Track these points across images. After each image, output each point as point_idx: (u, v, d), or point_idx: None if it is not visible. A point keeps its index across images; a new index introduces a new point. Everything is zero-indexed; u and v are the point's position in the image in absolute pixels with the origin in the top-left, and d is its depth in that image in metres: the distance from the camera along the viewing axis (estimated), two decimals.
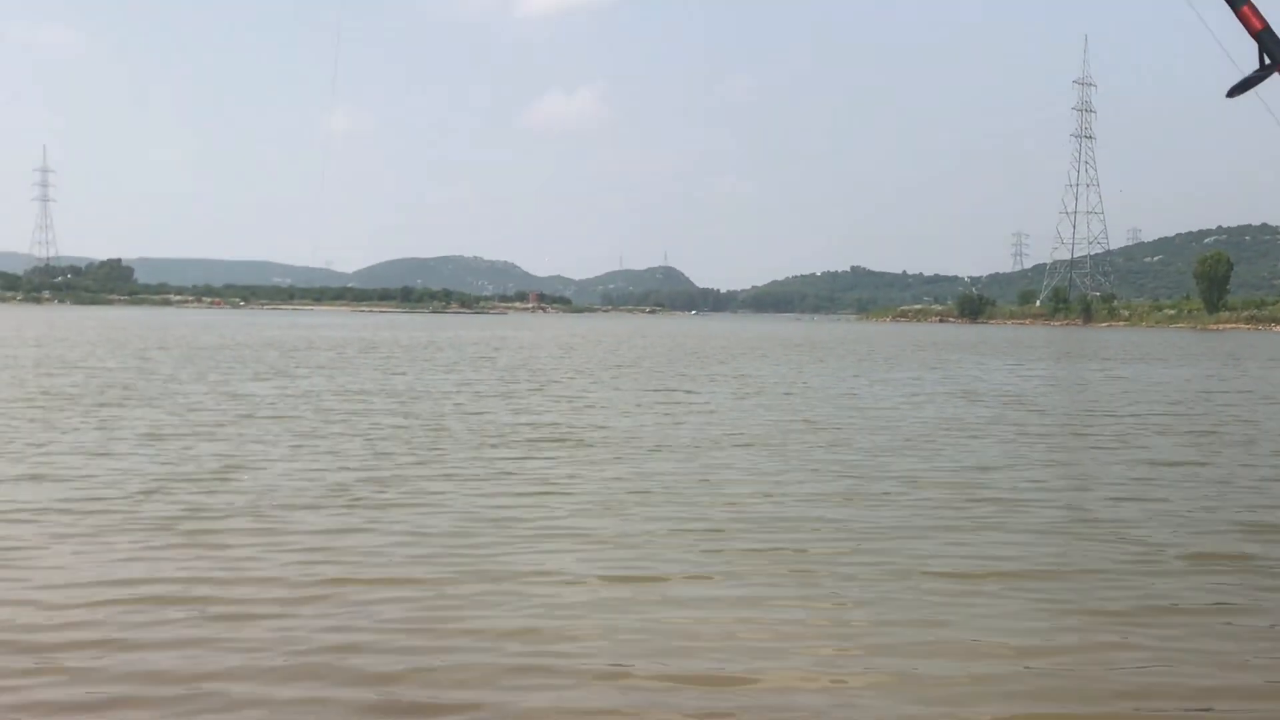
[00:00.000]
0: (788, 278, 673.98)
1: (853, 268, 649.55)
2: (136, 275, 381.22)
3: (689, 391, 39.19)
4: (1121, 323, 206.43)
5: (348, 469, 19.68)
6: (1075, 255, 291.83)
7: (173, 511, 15.47)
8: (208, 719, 8.27)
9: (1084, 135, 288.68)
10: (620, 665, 9.51)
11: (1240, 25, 6.27)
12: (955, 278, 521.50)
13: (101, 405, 30.28)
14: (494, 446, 23.03)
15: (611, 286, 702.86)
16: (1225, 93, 6.41)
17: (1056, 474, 20.80)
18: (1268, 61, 6.20)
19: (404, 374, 46.68)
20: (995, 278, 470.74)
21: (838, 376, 49.80)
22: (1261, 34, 6.21)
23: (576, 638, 10.23)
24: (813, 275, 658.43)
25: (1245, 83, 6.31)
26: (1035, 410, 34.08)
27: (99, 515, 15.18)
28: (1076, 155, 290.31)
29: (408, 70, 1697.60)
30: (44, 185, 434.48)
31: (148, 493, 16.87)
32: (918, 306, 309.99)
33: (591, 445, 23.51)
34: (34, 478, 18.13)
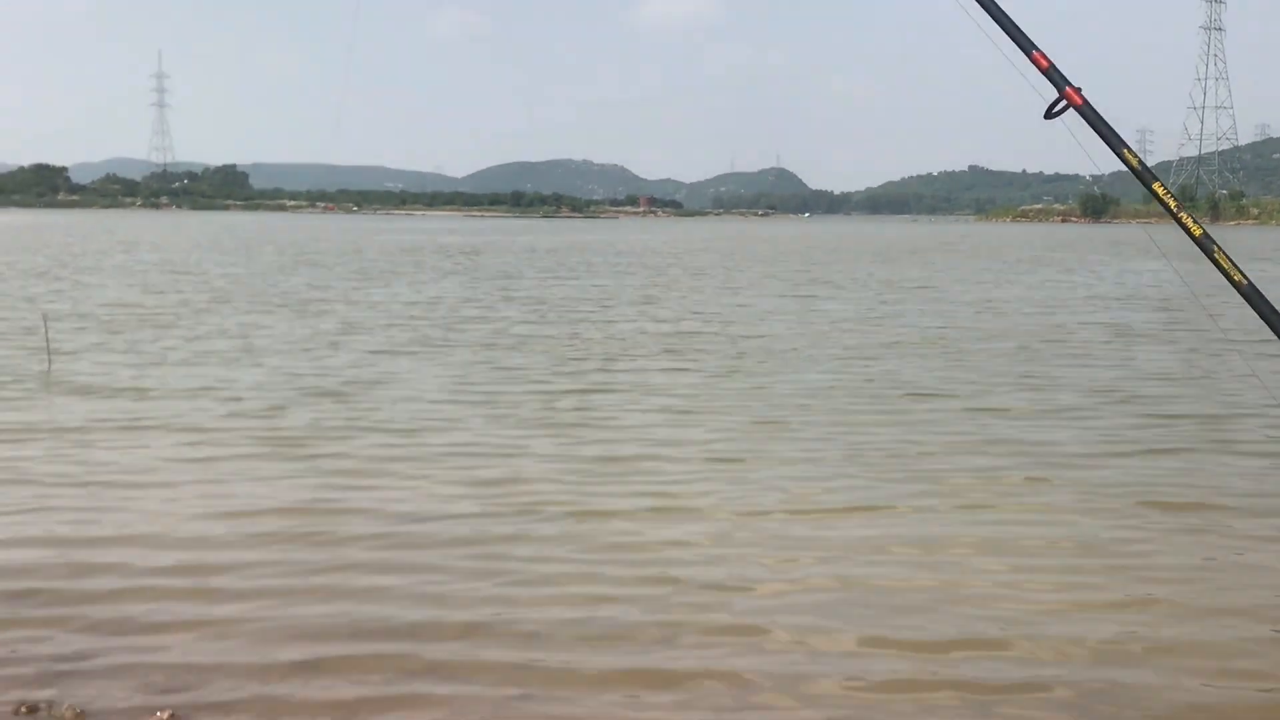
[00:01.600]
0: (903, 178, 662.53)
1: (970, 167, 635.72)
2: (251, 180, 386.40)
3: (831, 297, 37.69)
4: (1251, 221, 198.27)
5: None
6: (1203, 152, 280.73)
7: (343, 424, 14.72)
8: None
9: (1213, 27, 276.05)
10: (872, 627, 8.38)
11: None
12: (1075, 176, 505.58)
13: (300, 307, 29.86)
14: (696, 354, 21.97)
15: (723, 189, 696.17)
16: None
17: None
18: None
19: (573, 280, 45.86)
20: (1117, 176, 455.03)
21: (978, 280, 47.72)
22: None
23: (798, 582, 9.13)
24: (929, 175, 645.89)
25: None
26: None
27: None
28: (1205, 48, 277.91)
29: None
30: (159, 91, 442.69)
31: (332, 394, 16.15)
32: (1038, 206, 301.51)
33: (759, 355, 22.33)
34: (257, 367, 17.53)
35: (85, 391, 17.22)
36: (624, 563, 9.36)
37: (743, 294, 38.91)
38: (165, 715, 6.46)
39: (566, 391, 17.66)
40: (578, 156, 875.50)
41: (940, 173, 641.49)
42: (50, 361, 20.51)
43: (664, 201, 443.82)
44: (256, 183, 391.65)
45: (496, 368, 20.35)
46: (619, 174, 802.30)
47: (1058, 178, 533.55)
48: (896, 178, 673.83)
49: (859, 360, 21.67)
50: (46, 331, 22.03)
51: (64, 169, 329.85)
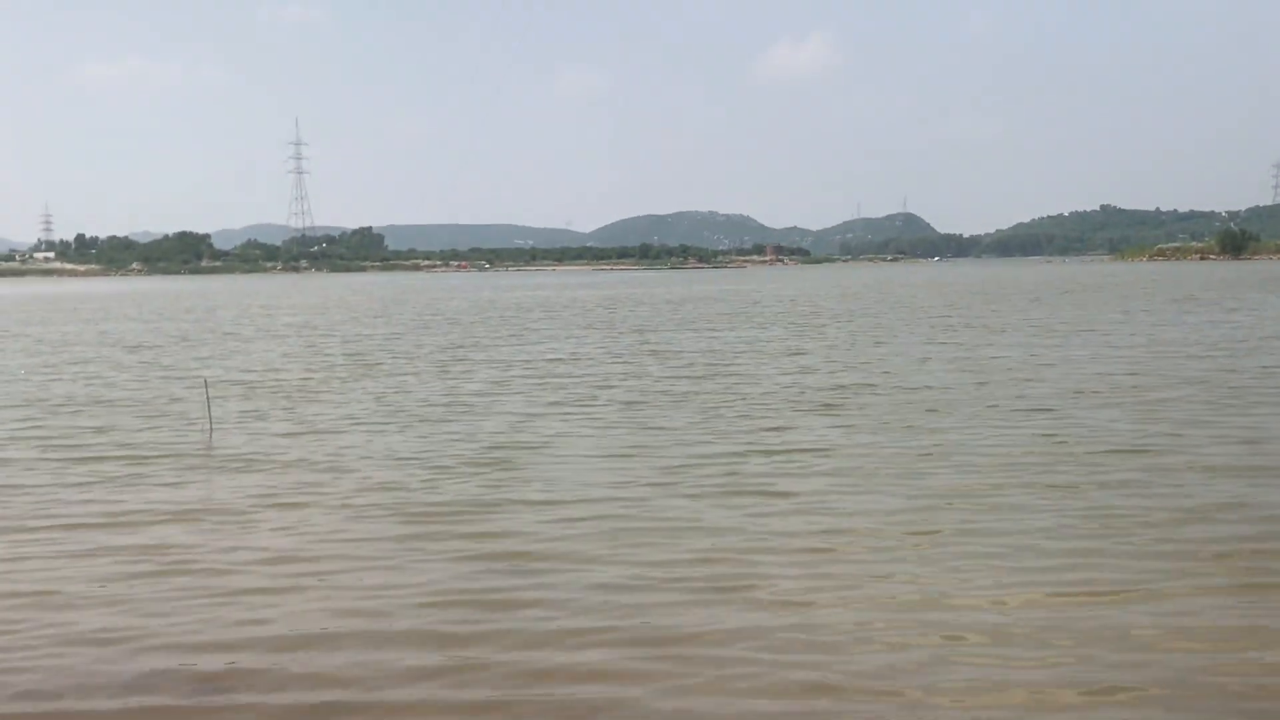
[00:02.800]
0: (1033, 219, 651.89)
1: (1102, 206, 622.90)
2: (386, 242, 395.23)
3: (988, 343, 36.16)
4: None
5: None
6: None
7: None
8: None
9: None
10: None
11: None
12: (1211, 213, 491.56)
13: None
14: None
15: (849, 235, 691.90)
16: None
17: None
18: None
19: (728, 331, 45.12)
20: (1255, 211, 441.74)
21: (1137, 321, 45.58)
22: None
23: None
24: (1059, 216, 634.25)
25: None
26: None
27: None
28: None
29: (633, 28, 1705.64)
30: (297, 158, 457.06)
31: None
32: (1175, 244, 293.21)
33: (928, 408, 21.13)
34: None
35: (246, 463, 16.87)
36: (843, 666, 8.38)
37: (893, 342, 37.60)
38: None
39: (730, 454, 16.69)
40: (703, 208, 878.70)
41: (1071, 213, 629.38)
42: (211, 429, 20.36)
43: (790, 249, 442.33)
44: (392, 243, 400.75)
45: (650, 427, 19.50)
46: (744, 223, 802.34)
47: (1192, 215, 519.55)
48: (1026, 219, 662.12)
49: (1039, 412, 20.32)
50: (208, 398, 21.91)
51: (207, 236, 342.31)
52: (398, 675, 8.23)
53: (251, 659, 8.61)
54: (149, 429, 20.53)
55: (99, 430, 20.41)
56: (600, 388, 25.71)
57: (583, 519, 12.82)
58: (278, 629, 9.31)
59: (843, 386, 24.96)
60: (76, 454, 17.83)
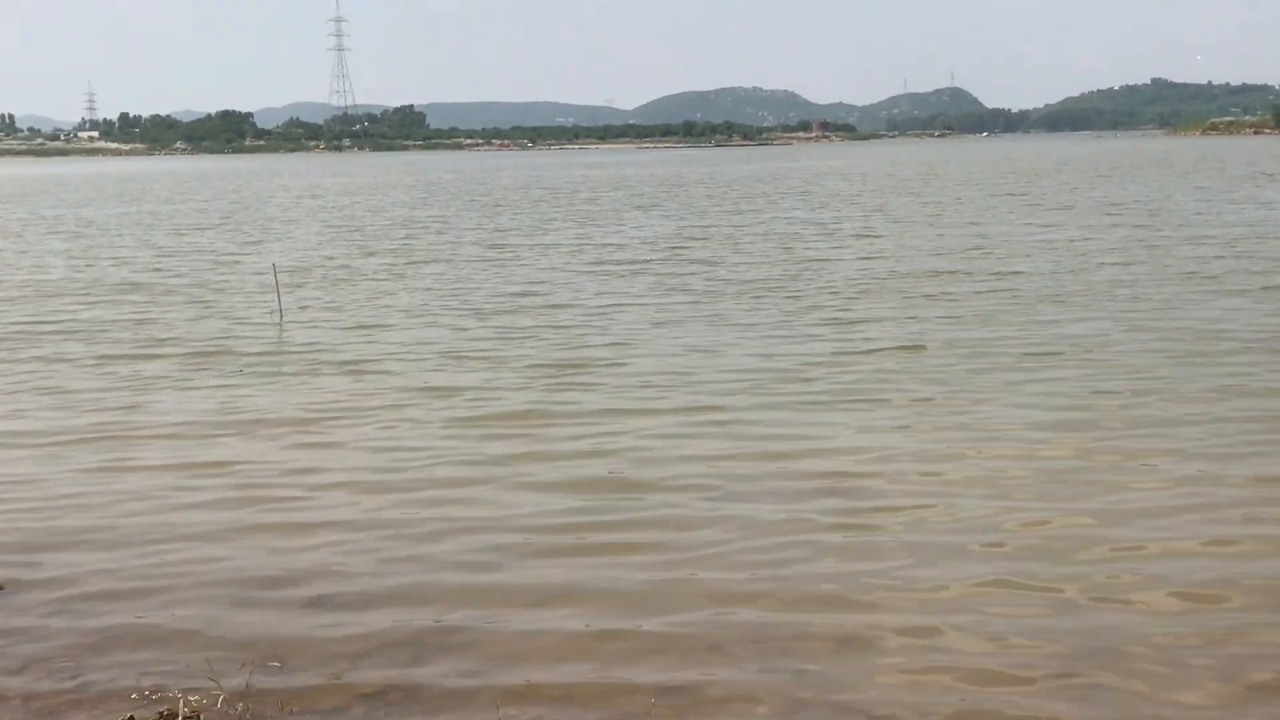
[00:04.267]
0: (1082, 93, 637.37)
1: (1153, 80, 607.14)
2: (428, 120, 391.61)
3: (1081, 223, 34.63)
4: None
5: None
6: None
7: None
8: None
9: None
10: None
11: None
12: (1265, 86, 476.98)
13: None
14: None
15: (895, 111, 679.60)
16: None
17: None
18: None
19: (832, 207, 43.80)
20: None
21: (1218, 199, 43.65)
22: None
23: None
24: (1109, 90, 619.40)
25: None
26: None
27: None
28: None
29: None
30: (338, 35, 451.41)
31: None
32: (1228, 119, 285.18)
33: (1034, 299, 19.94)
34: None
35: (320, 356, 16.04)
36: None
37: (963, 222, 35.98)
38: None
39: (844, 353, 15.61)
40: (747, 84, 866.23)
41: (1121, 87, 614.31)
42: (281, 316, 19.68)
43: (836, 126, 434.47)
44: (433, 122, 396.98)
45: (734, 324, 18.45)
46: (789, 99, 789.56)
47: (1245, 88, 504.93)
48: (1075, 93, 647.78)
49: (1163, 305, 18.93)
50: (277, 284, 21.14)
51: (250, 115, 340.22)
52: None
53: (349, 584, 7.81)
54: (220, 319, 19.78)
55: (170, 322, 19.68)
56: (675, 276, 24.65)
57: (689, 420, 11.90)
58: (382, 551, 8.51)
59: (936, 274, 23.70)
60: (142, 350, 17.08)
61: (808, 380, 13.94)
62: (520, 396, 13.41)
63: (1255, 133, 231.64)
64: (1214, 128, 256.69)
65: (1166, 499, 9.27)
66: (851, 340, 16.50)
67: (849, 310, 19.28)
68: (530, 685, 6.56)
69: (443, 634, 7.23)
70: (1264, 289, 20.27)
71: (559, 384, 14.05)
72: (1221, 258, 24.96)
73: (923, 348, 15.71)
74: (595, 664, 6.82)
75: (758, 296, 21.14)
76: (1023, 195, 50.87)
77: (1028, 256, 26.27)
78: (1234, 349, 15.02)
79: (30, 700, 6.48)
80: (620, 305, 20.46)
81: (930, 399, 12.79)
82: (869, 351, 15.61)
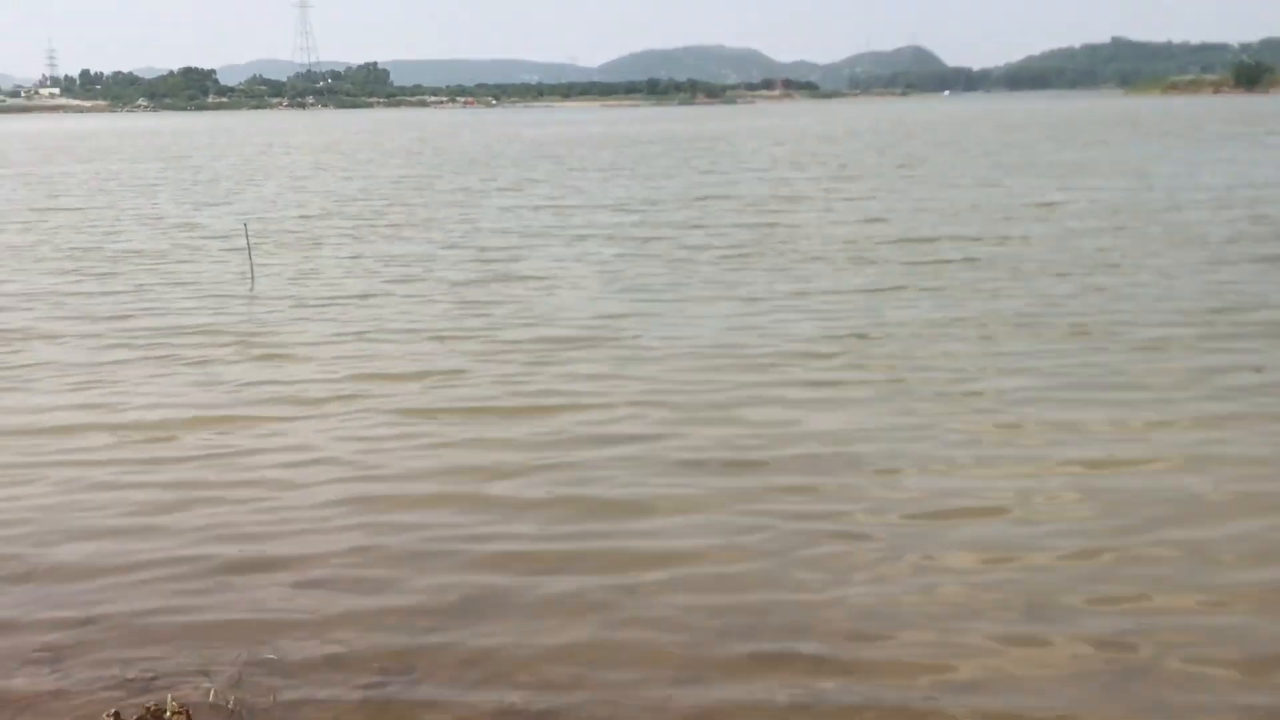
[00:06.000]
0: (1043, 52, 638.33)
1: (1113, 39, 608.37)
2: (392, 78, 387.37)
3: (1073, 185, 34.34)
4: None
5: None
6: None
7: None
8: None
9: None
10: None
11: None
12: (1224, 45, 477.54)
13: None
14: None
15: (858, 70, 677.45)
16: None
17: None
18: None
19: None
20: (1267, 43, 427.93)
21: (1195, 162, 43.49)
22: None
23: None
24: (1070, 49, 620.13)
25: None
26: None
27: None
28: None
29: None
30: None
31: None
32: (1188, 78, 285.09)
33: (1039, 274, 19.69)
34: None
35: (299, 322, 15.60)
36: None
37: (934, 186, 35.64)
38: None
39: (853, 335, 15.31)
40: (710, 42, 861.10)
41: (1082, 45, 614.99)
42: (253, 273, 19.21)
43: (799, 84, 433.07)
44: (396, 79, 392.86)
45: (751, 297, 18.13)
46: (752, 58, 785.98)
47: (1204, 48, 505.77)
48: (1036, 52, 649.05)
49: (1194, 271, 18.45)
50: (249, 243, 20.65)
51: (212, 71, 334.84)
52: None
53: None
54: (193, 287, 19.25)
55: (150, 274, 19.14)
56: (675, 242, 24.26)
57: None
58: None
59: (925, 240, 23.29)
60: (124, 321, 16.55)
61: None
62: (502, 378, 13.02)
63: (1215, 91, 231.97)
64: (1174, 87, 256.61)
65: None
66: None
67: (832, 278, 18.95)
68: (538, 675, 6.26)
69: (444, 616, 6.90)
70: None
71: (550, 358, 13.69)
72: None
73: None
74: None
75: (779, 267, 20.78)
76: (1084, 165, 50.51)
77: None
78: None
79: (5, 696, 6.11)
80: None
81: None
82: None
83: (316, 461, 9.72)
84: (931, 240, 22.51)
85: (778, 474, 9.17)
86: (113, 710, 5.78)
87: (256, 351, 13.93)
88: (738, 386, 11.69)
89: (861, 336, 13.91)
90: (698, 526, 8.13)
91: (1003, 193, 32.12)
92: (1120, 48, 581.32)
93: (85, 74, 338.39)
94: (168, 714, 5.72)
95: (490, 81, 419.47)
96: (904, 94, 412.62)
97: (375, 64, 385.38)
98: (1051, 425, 10.17)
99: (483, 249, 22.66)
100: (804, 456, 9.54)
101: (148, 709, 5.77)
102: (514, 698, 5.98)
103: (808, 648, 6.41)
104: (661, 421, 10.58)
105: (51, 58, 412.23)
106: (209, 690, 5.99)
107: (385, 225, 27.52)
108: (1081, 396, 11.05)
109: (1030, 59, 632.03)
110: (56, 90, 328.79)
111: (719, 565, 7.49)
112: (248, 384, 12.36)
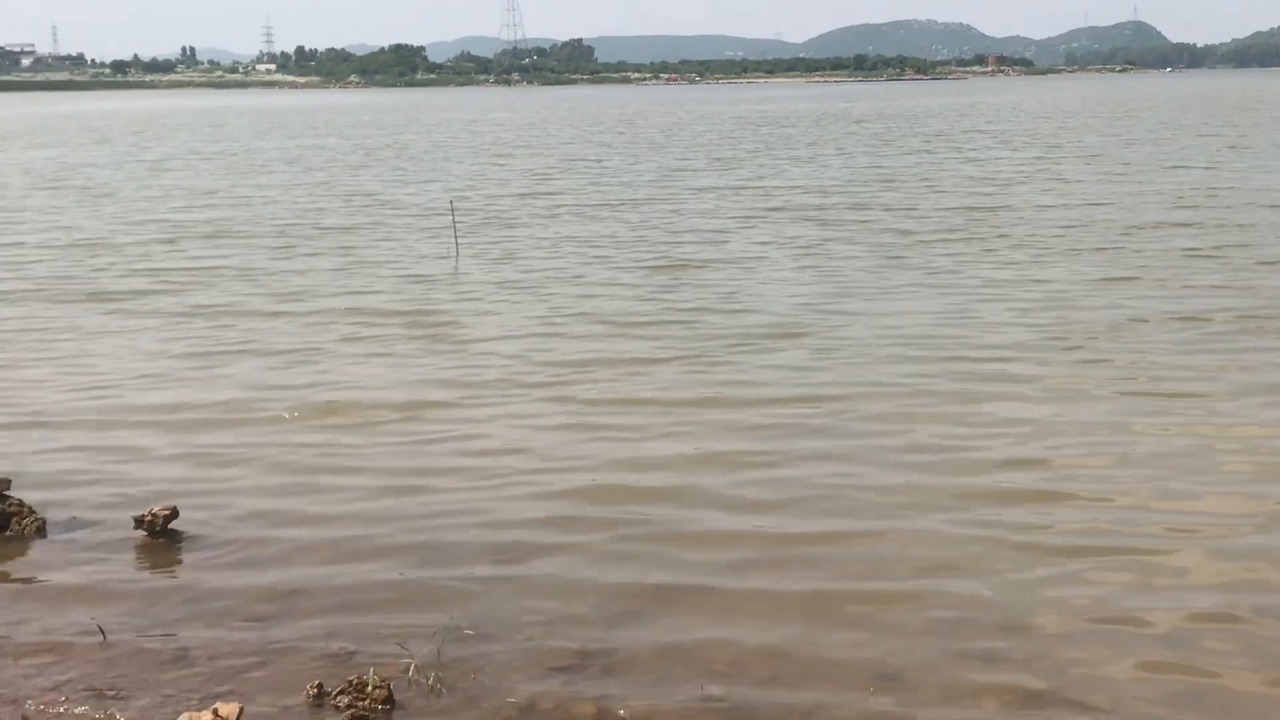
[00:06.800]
0: (1272, 28, 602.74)
1: None
2: (596, 54, 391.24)
3: None
4: None
5: None
6: None
7: None
8: None
9: None
10: None
11: None
12: None
13: None
14: None
15: (1075, 45, 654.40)
16: None
17: None
18: None
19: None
20: None
21: None
22: None
23: None
24: None
25: None
26: None
27: None
28: None
29: None
30: None
31: None
32: None
33: None
34: None
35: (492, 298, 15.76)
36: None
37: (1172, 162, 33.90)
38: None
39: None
40: (921, 16, 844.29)
41: None
42: (458, 252, 19.50)
43: (1013, 60, 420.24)
44: (601, 55, 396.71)
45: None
46: (964, 33, 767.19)
47: None
48: (1265, 27, 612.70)
49: None
50: (454, 221, 21.04)
51: (421, 49, 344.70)
52: None
53: None
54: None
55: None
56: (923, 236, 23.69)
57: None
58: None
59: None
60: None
61: None
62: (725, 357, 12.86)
63: None
64: None
65: None
66: None
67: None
68: (735, 661, 6.09)
69: (643, 605, 6.80)
70: None
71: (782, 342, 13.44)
72: None
73: None
74: None
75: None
76: None
77: None
78: None
79: (215, 659, 6.25)
80: None
81: None
82: None
83: (512, 450, 9.62)
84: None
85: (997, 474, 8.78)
86: (316, 682, 5.85)
87: (457, 334, 13.93)
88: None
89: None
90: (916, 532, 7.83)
91: None
92: None
93: (300, 50, 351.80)
94: (370, 688, 5.75)
95: (695, 58, 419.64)
96: (1123, 71, 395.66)
97: (580, 40, 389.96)
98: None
99: (681, 233, 22.47)
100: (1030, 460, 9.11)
101: (350, 682, 5.81)
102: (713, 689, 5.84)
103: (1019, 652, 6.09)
104: (876, 416, 10.23)
105: (269, 34, 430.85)
106: (409, 665, 6.01)
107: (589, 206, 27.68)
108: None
109: (1259, 35, 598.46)
110: (273, 66, 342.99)
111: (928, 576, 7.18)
112: (447, 368, 12.33)
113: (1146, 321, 13.31)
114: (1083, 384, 10.89)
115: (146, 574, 7.43)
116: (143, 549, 7.76)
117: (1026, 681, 5.86)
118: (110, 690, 5.95)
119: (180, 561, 7.59)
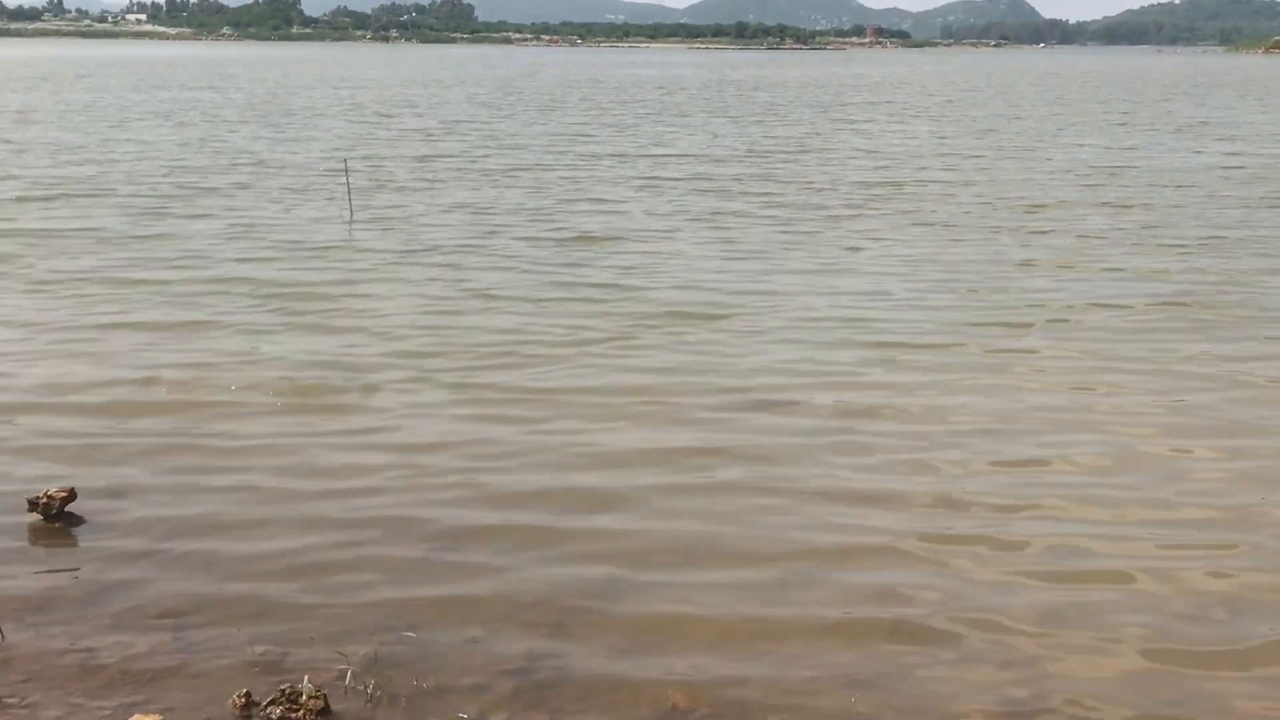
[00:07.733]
0: (1142, 6, 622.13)
1: None
2: (476, 13, 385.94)
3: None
4: None
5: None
6: None
7: None
8: None
9: None
10: None
11: None
12: None
13: None
14: None
15: (951, 19, 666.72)
16: None
17: None
18: None
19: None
20: None
21: None
22: None
23: None
24: (1170, 3, 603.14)
25: None
26: None
27: None
28: None
29: None
30: None
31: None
32: None
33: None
34: None
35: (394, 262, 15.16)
36: None
37: (1066, 139, 34.40)
38: None
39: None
40: None
41: (1183, 0, 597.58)
42: (352, 216, 18.80)
43: (890, 32, 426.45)
44: (481, 14, 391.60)
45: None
46: (843, 4, 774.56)
47: None
48: (1135, 6, 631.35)
49: None
50: (348, 181, 20.36)
51: (297, 2, 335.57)
52: None
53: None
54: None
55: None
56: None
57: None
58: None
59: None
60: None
61: None
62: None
63: None
64: (1278, 45, 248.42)
65: None
66: None
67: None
68: (696, 665, 5.75)
69: (592, 595, 6.41)
70: None
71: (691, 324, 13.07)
72: None
73: None
74: None
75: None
76: None
77: None
78: None
79: (127, 662, 5.69)
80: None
81: None
82: None
83: (435, 447, 9.20)
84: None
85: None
86: (244, 690, 5.34)
87: (359, 307, 13.17)
88: None
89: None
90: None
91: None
92: (1223, 3, 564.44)
93: (171, 1, 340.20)
94: (304, 697, 5.27)
95: (576, 19, 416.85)
96: (998, 45, 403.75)
97: None
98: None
99: (579, 201, 22.05)
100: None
101: (282, 691, 5.30)
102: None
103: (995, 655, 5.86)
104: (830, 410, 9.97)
105: None
106: (346, 672, 5.54)
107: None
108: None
109: (1129, 12, 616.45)
110: (143, 16, 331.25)
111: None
112: (352, 346, 11.65)
113: (1072, 306, 13.19)
114: (1018, 372, 10.76)
115: (43, 563, 6.78)
116: (37, 533, 7.10)
117: (1009, 690, 5.64)
118: (13, 698, 5.37)
119: (80, 549, 6.95)
